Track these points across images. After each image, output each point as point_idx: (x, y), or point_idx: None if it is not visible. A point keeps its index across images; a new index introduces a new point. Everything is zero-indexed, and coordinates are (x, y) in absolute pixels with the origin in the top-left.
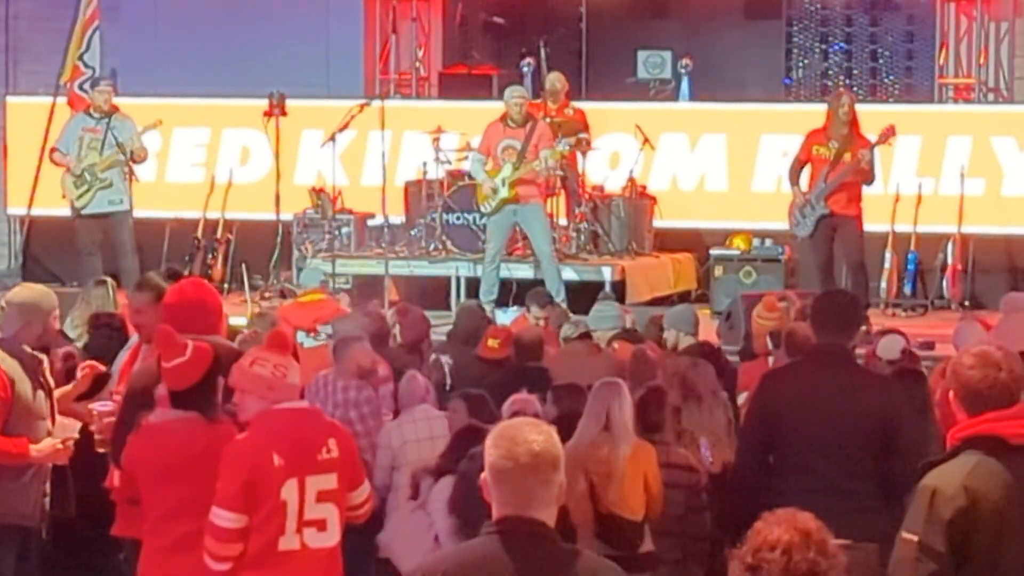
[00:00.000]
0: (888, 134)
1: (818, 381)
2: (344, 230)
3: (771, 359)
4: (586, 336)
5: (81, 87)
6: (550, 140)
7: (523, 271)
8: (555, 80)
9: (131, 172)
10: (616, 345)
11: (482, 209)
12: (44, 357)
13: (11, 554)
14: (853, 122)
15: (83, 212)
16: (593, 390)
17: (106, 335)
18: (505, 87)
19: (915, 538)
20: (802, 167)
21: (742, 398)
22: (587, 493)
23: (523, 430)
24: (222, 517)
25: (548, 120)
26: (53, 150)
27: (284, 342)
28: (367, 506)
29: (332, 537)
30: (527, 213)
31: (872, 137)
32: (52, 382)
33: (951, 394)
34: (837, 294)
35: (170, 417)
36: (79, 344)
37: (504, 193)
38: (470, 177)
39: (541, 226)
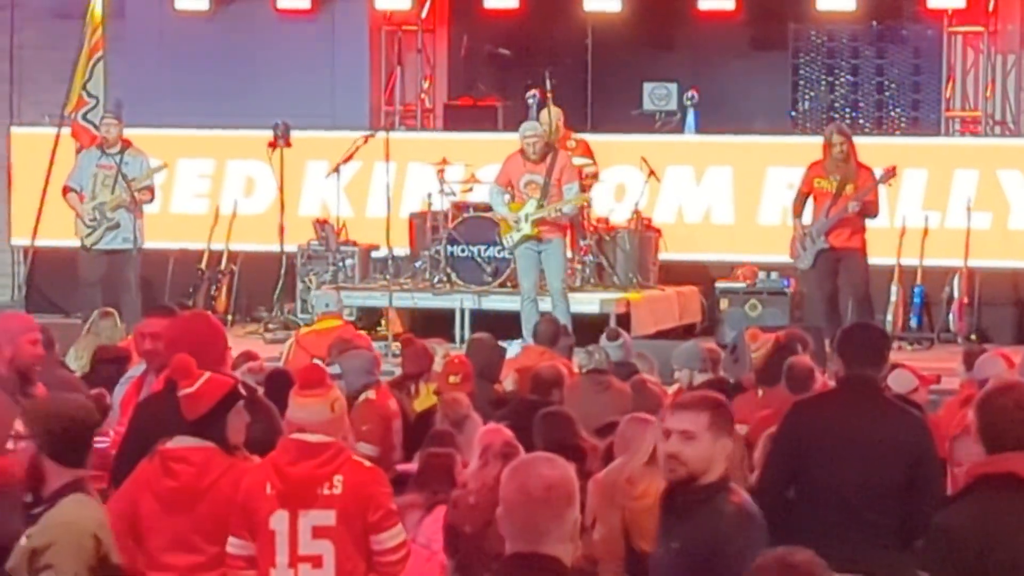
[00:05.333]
0: (889, 175)
1: (847, 413)
2: (348, 262)
3: (760, 391)
4: (599, 371)
5: (84, 117)
6: (572, 172)
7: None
8: (547, 120)
9: (136, 206)
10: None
11: (505, 242)
12: None
13: None
14: (851, 154)
15: (90, 247)
16: (639, 426)
17: (113, 370)
18: (511, 118)
19: None
20: (805, 200)
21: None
22: (620, 528)
23: (538, 464)
24: (230, 543)
25: None
26: (67, 190)
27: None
28: (395, 556)
29: (327, 575)
30: (548, 248)
31: (875, 168)
32: None
33: (972, 429)
34: (866, 326)
35: (187, 444)
36: (79, 375)
37: (527, 230)
38: (475, 209)
39: (557, 262)
